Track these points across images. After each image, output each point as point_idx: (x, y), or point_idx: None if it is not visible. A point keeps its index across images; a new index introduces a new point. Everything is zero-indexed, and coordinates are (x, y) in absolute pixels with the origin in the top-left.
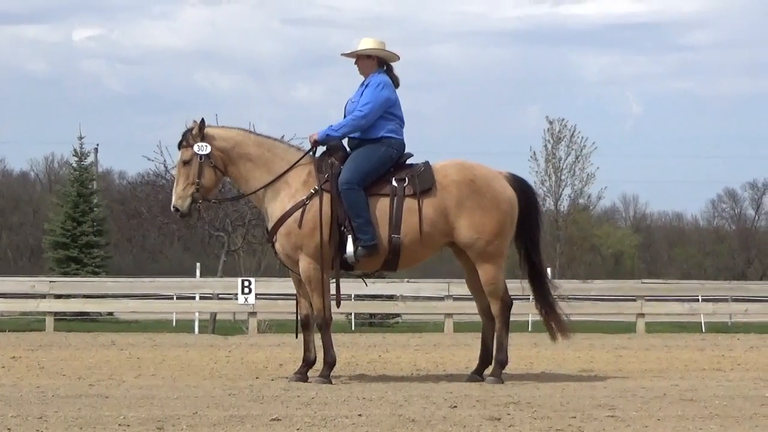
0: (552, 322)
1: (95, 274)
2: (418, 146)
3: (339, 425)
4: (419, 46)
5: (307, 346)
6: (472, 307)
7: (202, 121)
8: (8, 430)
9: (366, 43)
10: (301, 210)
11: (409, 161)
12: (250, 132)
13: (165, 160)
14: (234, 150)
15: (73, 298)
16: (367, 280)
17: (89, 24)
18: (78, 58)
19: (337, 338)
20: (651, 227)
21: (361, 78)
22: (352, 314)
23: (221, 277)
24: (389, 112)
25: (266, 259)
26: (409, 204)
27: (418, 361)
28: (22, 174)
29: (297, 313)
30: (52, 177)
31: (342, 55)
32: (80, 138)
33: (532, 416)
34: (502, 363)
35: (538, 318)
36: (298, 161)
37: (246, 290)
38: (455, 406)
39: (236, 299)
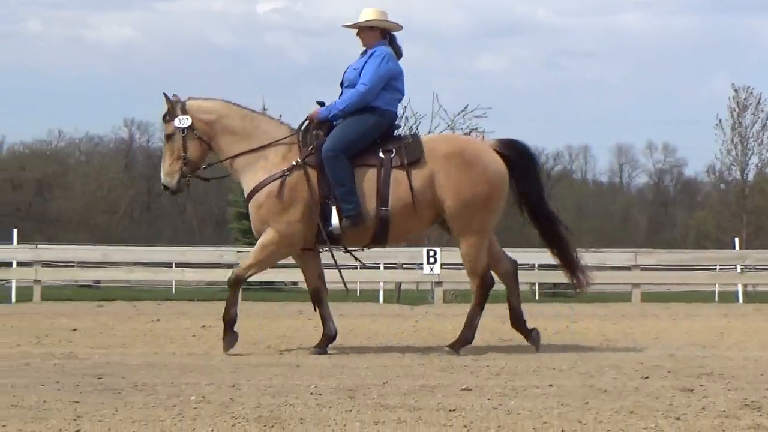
0: (574, 274)
1: None
2: (602, 114)
3: (530, 395)
4: (605, 14)
5: (324, 320)
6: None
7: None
8: (203, 397)
9: (367, 14)
10: (279, 181)
11: (396, 133)
12: (233, 104)
13: None
14: (218, 122)
15: None
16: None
17: None
18: (262, 30)
19: (523, 308)
20: None
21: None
22: (536, 284)
23: (406, 246)
24: (389, 83)
25: None
26: (397, 175)
27: (607, 332)
28: None
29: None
30: None
31: (343, 26)
32: (264, 109)
33: (726, 387)
34: (467, 340)
35: (725, 288)
36: (286, 137)
37: (431, 260)
38: (647, 377)
39: (421, 269)
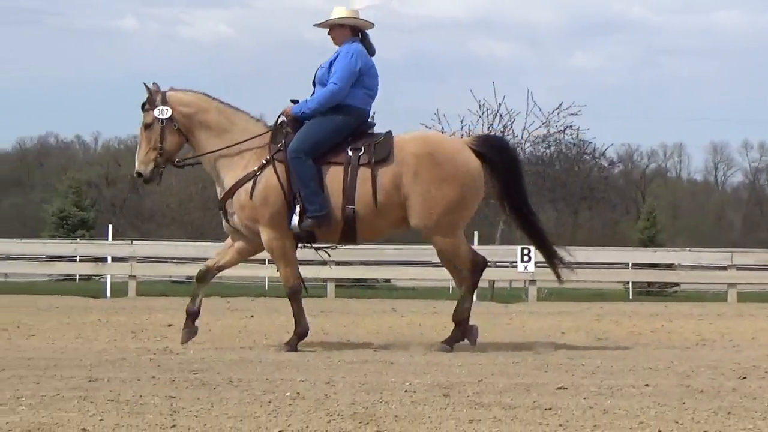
0: (556, 267)
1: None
2: (697, 112)
3: (626, 395)
4: (701, 12)
5: (192, 299)
6: (756, 277)
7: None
8: (297, 394)
9: (338, 12)
10: (252, 181)
11: (372, 132)
12: (213, 98)
13: (443, 128)
14: (196, 116)
15: (352, 265)
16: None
17: None
18: None
19: (618, 307)
20: None
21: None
22: (630, 283)
23: (498, 245)
24: (359, 80)
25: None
26: (363, 173)
27: (703, 332)
28: None
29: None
30: None
31: (314, 25)
32: None
33: None
34: (461, 321)
35: None
36: (260, 135)
37: (525, 258)
38: (744, 378)
39: (514, 267)
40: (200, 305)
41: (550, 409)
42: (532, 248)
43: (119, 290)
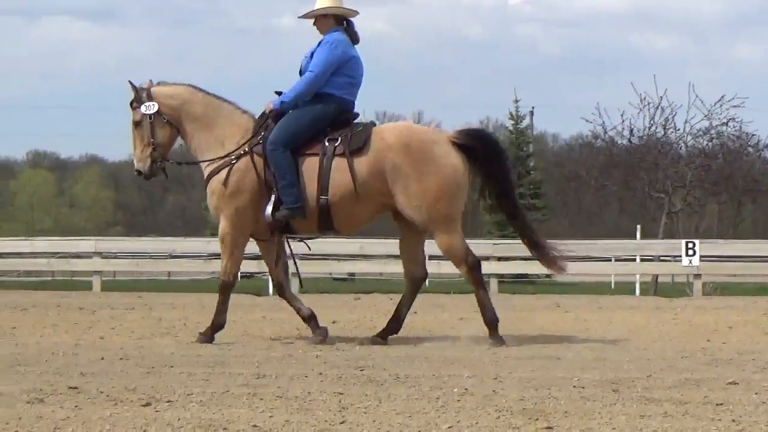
0: (543, 258)
1: None
2: None
3: None
4: None
5: (295, 308)
6: None
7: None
8: (465, 390)
9: (322, 2)
10: (227, 169)
11: (356, 121)
12: (199, 90)
13: (603, 122)
14: (182, 107)
15: (512, 260)
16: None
17: None
18: (514, 22)
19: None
20: None
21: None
22: None
23: (661, 239)
24: (339, 69)
25: (705, 221)
26: (338, 164)
27: None
28: None
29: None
30: None
31: (299, 17)
32: (516, 101)
33: None
34: (493, 323)
35: None
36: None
37: (690, 252)
38: None
39: (678, 261)
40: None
41: (721, 404)
42: (696, 242)
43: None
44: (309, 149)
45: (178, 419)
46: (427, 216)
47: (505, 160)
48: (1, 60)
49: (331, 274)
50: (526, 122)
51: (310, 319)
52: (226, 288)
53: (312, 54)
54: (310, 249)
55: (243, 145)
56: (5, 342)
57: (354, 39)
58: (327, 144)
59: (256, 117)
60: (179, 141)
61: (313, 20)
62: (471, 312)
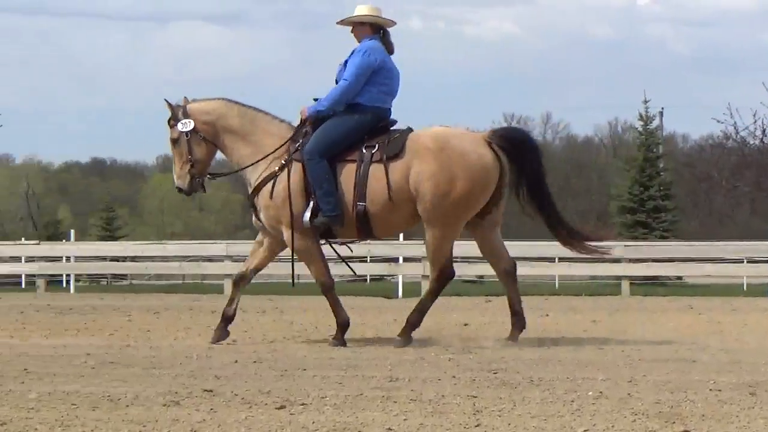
0: (580, 246)
1: (663, 238)
2: None
3: None
4: None
5: (230, 302)
6: None
7: (184, 99)
8: (600, 393)
9: (360, 10)
10: (272, 182)
11: (394, 128)
12: (235, 102)
13: (735, 122)
14: (218, 122)
15: (643, 262)
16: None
17: None
18: (642, 21)
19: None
20: None
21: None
22: None
23: None
24: (373, 79)
25: None
26: (375, 170)
27: None
28: (586, 139)
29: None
30: (616, 141)
31: (337, 23)
32: (645, 102)
33: None
34: (413, 324)
35: None
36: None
37: None
38: None
39: None
40: (236, 309)
41: None
42: None
43: (411, 290)
44: (347, 157)
45: (313, 422)
46: (439, 212)
47: (538, 157)
48: (132, 65)
49: (460, 276)
50: (655, 123)
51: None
52: (327, 289)
53: (346, 62)
54: (352, 251)
55: (279, 148)
56: (140, 345)
57: (389, 49)
58: (364, 151)
59: (294, 125)
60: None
61: (350, 28)
62: (603, 314)
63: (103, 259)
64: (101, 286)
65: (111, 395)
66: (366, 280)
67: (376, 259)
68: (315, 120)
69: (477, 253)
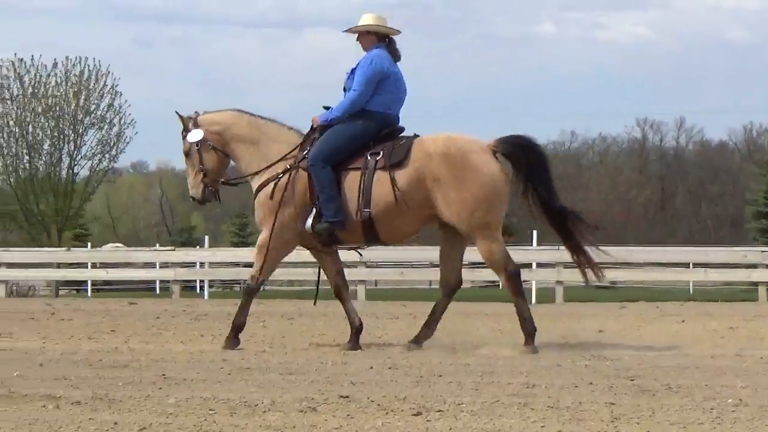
0: (581, 266)
1: None
2: None
3: None
4: None
5: (348, 314)
6: None
7: (196, 113)
8: (740, 400)
9: (366, 19)
10: (273, 183)
11: (402, 135)
12: (244, 113)
13: None
14: (227, 132)
15: None
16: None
17: None
18: None
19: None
20: None
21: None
22: None
23: None
24: (379, 86)
25: None
26: (380, 177)
27: None
28: (720, 144)
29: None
30: (751, 146)
31: (343, 32)
32: None
33: None
34: (531, 333)
35: None
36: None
37: None
38: None
39: None
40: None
41: None
42: None
43: (544, 296)
44: (352, 164)
45: (450, 429)
46: (468, 224)
47: (545, 165)
48: (264, 71)
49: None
50: None
51: (357, 330)
52: (251, 292)
53: (353, 71)
54: (361, 256)
55: (286, 155)
56: (275, 351)
57: (395, 56)
58: (369, 158)
59: (304, 133)
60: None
61: (356, 36)
62: (740, 320)
63: (236, 265)
64: (234, 292)
65: (248, 401)
66: (499, 285)
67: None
68: (323, 128)
69: (610, 259)
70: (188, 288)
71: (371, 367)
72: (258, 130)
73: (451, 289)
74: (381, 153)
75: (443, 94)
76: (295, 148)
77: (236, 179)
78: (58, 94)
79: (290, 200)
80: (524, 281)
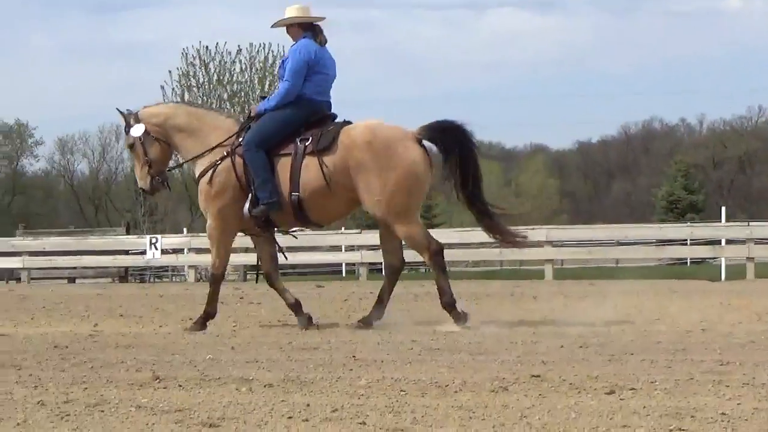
0: (500, 233)
1: None
2: None
3: None
4: None
5: (282, 294)
6: None
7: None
8: None
9: (288, 12)
10: (212, 170)
11: (335, 121)
12: (185, 104)
13: None
14: (166, 123)
15: None
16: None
17: None
18: None
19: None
20: None
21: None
22: None
23: None
24: (309, 72)
25: None
26: (308, 161)
27: None
28: None
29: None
30: None
31: (271, 27)
32: None
33: None
34: (451, 304)
35: None
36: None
37: None
38: None
39: None
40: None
41: None
42: None
43: (734, 272)
44: (283, 149)
45: (644, 407)
46: (386, 209)
47: (472, 148)
48: (452, 51)
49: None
50: None
51: (295, 306)
52: (216, 280)
53: (283, 62)
54: (296, 238)
55: (223, 142)
56: (464, 331)
57: (321, 42)
58: (299, 143)
59: (234, 118)
60: None
61: (286, 30)
62: None
63: None
64: (419, 273)
65: (438, 381)
66: (686, 262)
67: (697, 242)
68: (259, 116)
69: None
70: (375, 270)
71: (562, 346)
72: (197, 119)
73: (394, 270)
74: (309, 139)
75: (621, 70)
76: (231, 135)
77: (179, 164)
78: (243, 80)
79: (228, 185)
80: (714, 258)
